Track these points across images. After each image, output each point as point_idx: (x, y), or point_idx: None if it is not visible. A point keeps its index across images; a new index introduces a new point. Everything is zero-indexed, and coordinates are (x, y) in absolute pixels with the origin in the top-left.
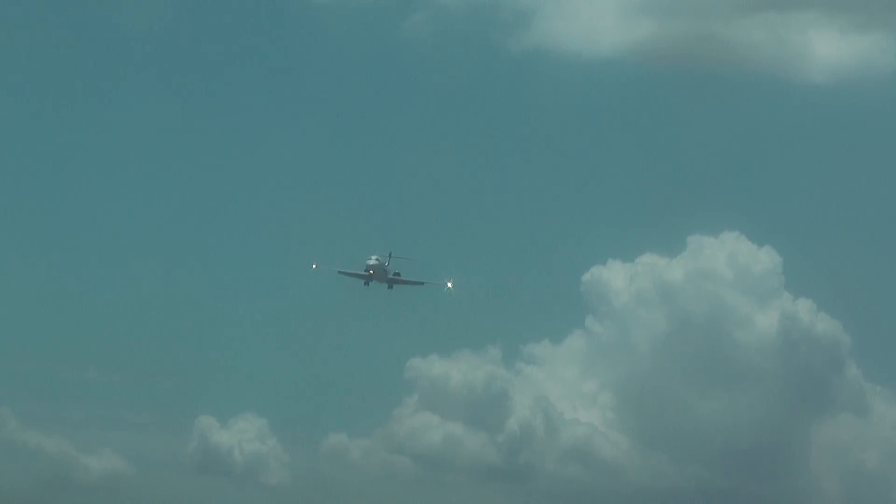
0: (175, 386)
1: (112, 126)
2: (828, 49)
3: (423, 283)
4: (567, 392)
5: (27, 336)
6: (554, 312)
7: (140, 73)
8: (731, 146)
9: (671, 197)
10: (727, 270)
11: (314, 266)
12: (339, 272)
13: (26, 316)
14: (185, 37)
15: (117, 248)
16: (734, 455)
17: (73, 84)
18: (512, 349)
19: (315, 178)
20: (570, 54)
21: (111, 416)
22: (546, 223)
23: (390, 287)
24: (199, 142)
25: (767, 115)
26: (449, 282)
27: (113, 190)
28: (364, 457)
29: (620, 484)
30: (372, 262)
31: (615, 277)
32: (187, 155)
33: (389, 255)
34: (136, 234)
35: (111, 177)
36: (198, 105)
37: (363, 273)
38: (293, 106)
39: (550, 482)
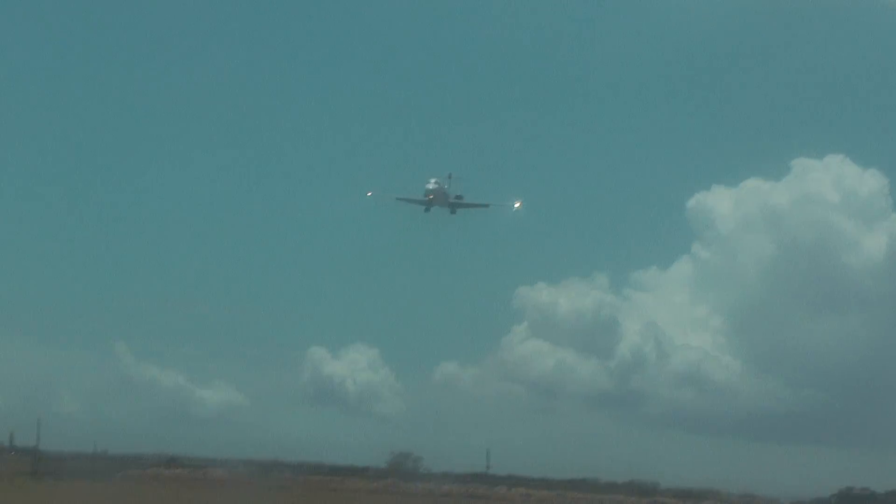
0: (286, 318)
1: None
2: None
3: (487, 206)
4: (676, 317)
5: (140, 273)
6: (661, 239)
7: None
8: (833, 67)
9: (774, 120)
10: (833, 193)
11: (369, 194)
12: (398, 198)
13: (140, 253)
14: None
15: (226, 182)
16: (846, 377)
17: None
18: (620, 276)
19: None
20: None
21: (225, 350)
22: (650, 150)
23: (453, 212)
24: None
25: (872, 35)
26: (517, 202)
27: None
28: (475, 385)
29: (733, 407)
30: (432, 185)
31: (720, 203)
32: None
33: (449, 177)
34: (241, 171)
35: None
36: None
37: (423, 199)
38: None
39: (663, 406)
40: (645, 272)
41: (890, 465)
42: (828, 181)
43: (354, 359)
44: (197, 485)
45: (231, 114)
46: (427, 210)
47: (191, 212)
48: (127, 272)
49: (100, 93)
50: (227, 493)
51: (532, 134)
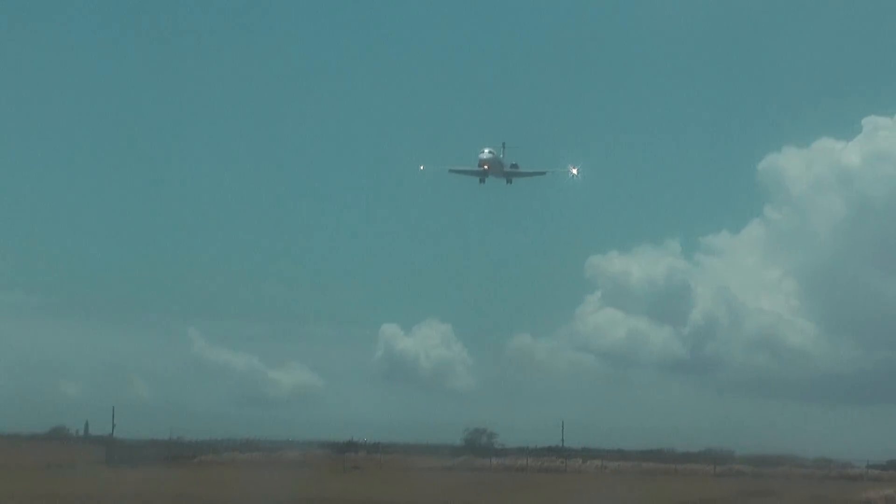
0: (357, 296)
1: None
2: None
3: (544, 173)
4: (749, 281)
5: (207, 254)
6: (731, 202)
7: None
8: None
9: (843, 78)
10: None
11: (422, 168)
12: (451, 170)
13: (205, 234)
14: None
15: (288, 161)
16: None
17: None
18: (691, 241)
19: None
20: None
21: (296, 330)
22: (719, 113)
23: (509, 181)
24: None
25: None
26: (574, 168)
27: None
28: (549, 356)
29: (808, 370)
30: (485, 155)
31: (791, 164)
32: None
33: (503, 146)
34: (301, 149)
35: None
36: None
37: (477, 169)
38: None
39: (738, 372)
40: (716, 236)
41: None
42: None
43: (427, 335)
44: (272, 468)
45: (298, 89)
46: (482, 181)
47: (257, 192)
48: (196, 255)
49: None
50: (303, 474)
51: (596, 100)
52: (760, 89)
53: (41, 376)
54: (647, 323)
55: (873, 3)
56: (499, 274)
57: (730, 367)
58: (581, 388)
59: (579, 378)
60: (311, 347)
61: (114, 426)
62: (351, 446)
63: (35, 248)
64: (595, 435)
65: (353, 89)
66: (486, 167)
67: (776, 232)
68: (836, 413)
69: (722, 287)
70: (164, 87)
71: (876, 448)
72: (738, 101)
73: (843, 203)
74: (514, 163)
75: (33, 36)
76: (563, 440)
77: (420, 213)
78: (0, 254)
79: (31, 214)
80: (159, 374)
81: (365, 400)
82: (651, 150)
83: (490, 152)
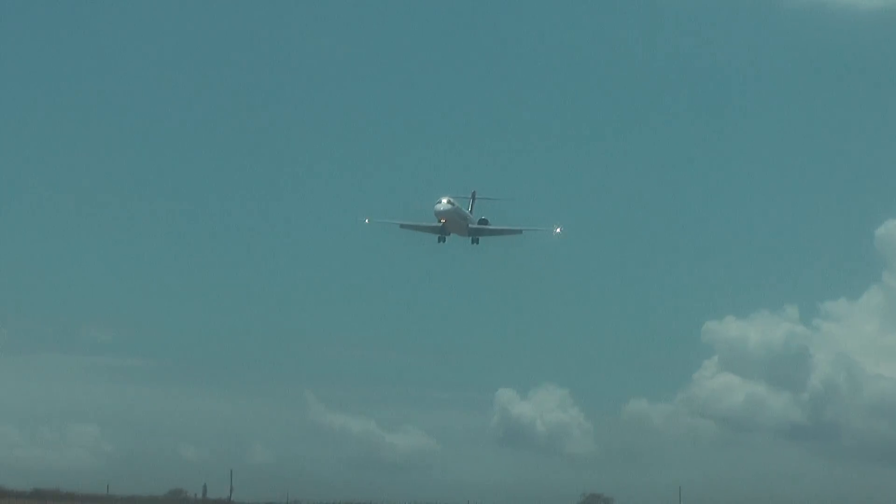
0: (474, 361)
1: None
2: None
3: (520, 232)
4: (868, 347)
5: (326, 321)
6: (849, 268)
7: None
8: None
9: None
10: None
11: (367, 221)
12: (402, 225)
13: (322, 303)
14: None
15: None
16: None
17: None
18: (809, 307)
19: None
20: (846, 5)
21: (413, 395)
22: (836, 179)
23: (475, 241)
24: None
25: None
26: (557, 227)
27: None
28: (666, 421)
29: None
30: (443, 207)
31: None
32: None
33: (473, 198)
34: None
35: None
36: None
37: (433, 225)
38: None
39: (859, 439)
40: (834, 302)
41: None
42: None
43: (543, 399)
44: None
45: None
46: (441, 241)
47: (373, 259)
48: (311, 320)
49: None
50: None
51: (707, 164)
52: (878, 156)
53: (160, 439)
54: (764, 388)
55: None
56: (615, 338)
57: (850, 433)
58: (698, 453)
59: (696, 443)
60: (428, 411)
61: (231, 489)
62: None
63: (154, 315)
64: (713, 500)
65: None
66: (443, 221)
67: (895, 298)
68: None
69: (841, 353)
70: (280, 153)
71: None
72: (856, 168)
73: None
74: (483, 217)
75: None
76: None
77: (537, 278)
78: (121, 320)
79: (152, 283)
80: (276, 437)
81: (481, 464)
82: (768, 216)
83: (449, 202)
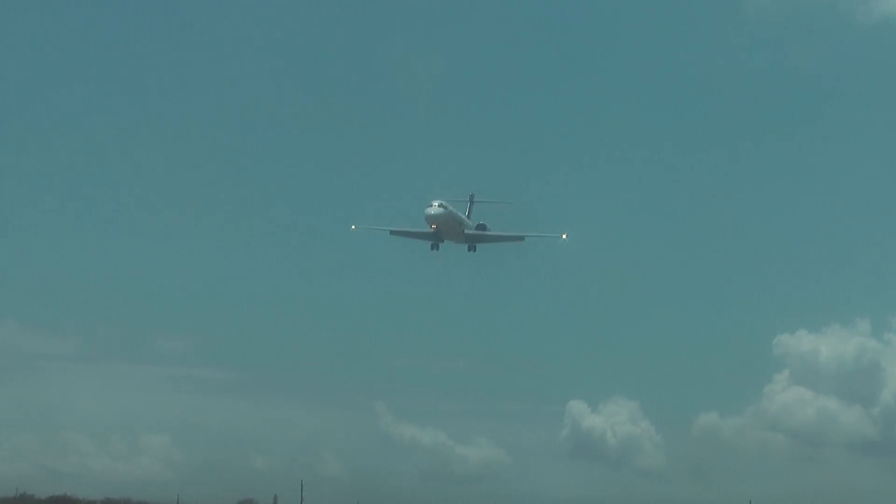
0: (545, 373)
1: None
2: None
3: (522, 238)
4: None
5: (397, 332)
6: None
7: None
8: None
9: None
10: None
11: (353, 227)
12: (392, 231)
13: (395, 315)
14: None
15: None
16: None
17: None
18: (881, 321)
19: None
20: None
21: (483, 407)
22: None
23: (471, 248)
24: None
25: None
26: (564, 234)
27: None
28: (737, 435)
29: None
30: (434, 211)
31: None
32: None
33: (470, 201)
34: None
35: None
36: None
37: (425, 231)
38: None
39: None
40: None
41: None
42: None
43: (614, 412)
44: None
45: None
46: (434, 248)
47: (441, 272)
48: (383, 332)
49: None
50: None
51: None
52: None
53: (231, 449)
54: (836, 402)
55: None
56: (686, 351)
57: None
58: (769, 467)
59: (767, 457)
60: (499, 424)
61: (302, 500)
62: None
63: (227, 326)
64: None
65: None
66: (434, 227)
67: None
68: None
69: None
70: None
71: None
72: None
73: None
74: (481, 223)
75: None
76: None
77: (607, 289)
78: (193, 330)
79: (225, 294)
80: (347, 448)
81: (550, 476)
82: (841, 230)
83: (441, 206)
